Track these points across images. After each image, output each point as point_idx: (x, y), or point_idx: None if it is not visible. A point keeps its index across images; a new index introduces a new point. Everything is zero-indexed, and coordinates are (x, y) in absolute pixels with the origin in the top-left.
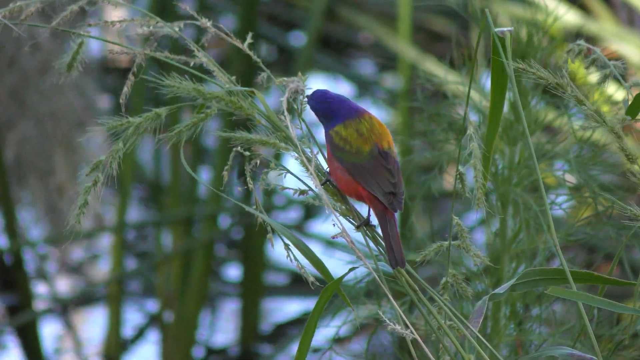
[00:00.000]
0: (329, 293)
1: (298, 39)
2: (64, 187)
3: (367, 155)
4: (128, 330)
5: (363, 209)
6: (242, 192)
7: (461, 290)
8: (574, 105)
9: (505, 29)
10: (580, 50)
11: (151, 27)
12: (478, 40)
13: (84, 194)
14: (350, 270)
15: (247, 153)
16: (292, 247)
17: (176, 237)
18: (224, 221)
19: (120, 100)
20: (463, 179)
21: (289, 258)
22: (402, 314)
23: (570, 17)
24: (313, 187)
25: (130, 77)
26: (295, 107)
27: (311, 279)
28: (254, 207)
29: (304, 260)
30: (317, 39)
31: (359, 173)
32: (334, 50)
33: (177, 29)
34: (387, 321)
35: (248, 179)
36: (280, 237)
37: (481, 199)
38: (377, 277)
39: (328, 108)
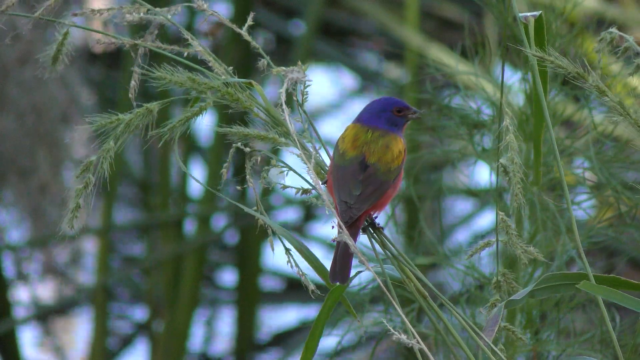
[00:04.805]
0: (333, 300)
1: (297, 27)
2: (47, 186)
3: (348, 160)
4: (114, 340)
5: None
6: (238, 192)
7: (512, 290)
8: (596, 97)
9: (529, 13)
10: (612, 38)
11: (141, 14)
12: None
13: (75, 197)
14: (355, 275)
15: (247, 149)
16: (293, 251)
17: (166, 240)
18: (218, 223)
19: (130, 95)
20: (508, 171)
21: (289, 263)
22: (408, 322)
23: (590, 2)
24: (312, 184)
25: (136, 69)
26: (296, 98)
27: (312, 286)
28: (253, 207)
29: (304, 265)
30: (318, 27)
31: (334, 174)
32: (336, 38)
33: (169, 17)
34: (392, 330)
35: (248, 176)
36: (281, 241)
37: (518, 196)
38: (380, 282)
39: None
